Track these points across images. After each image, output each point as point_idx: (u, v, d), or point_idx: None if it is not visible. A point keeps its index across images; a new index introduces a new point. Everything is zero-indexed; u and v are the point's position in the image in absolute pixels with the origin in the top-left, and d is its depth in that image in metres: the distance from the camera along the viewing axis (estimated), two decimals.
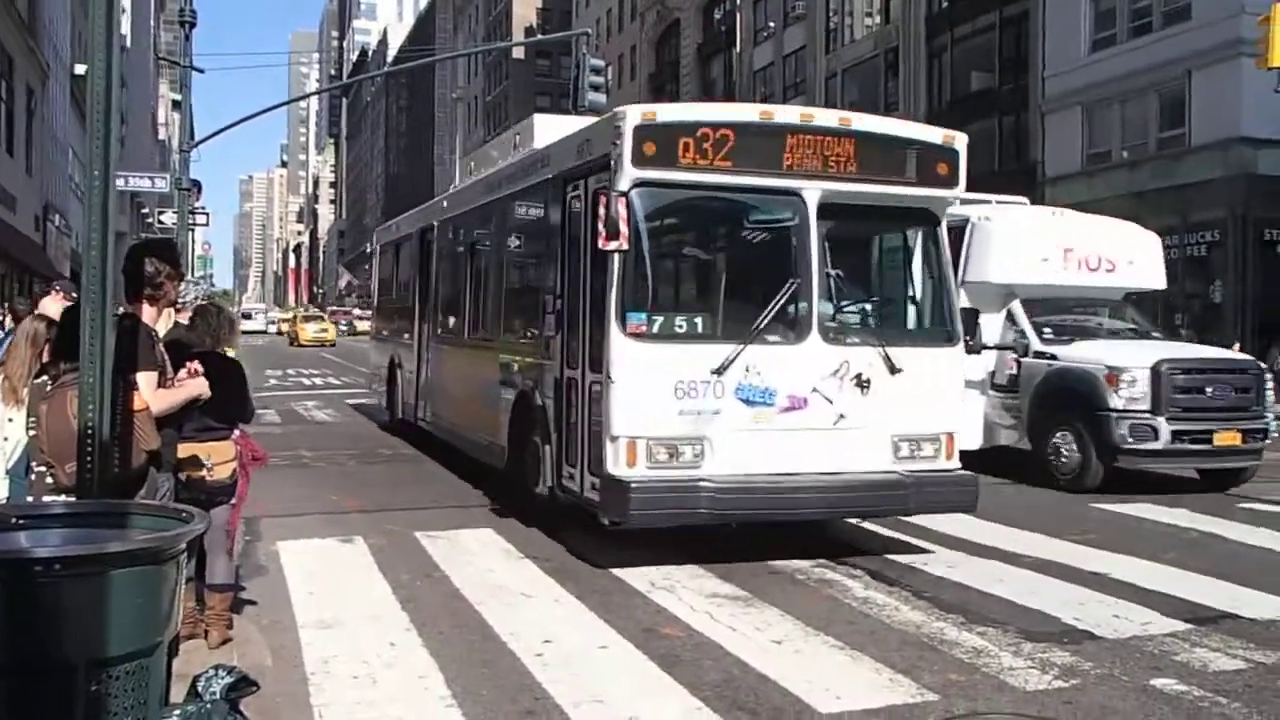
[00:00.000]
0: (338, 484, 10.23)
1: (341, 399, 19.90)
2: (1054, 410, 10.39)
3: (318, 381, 25.11)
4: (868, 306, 7.67)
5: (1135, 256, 11.73)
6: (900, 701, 4.58)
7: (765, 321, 6.79)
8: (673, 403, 6.56)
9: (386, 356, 14.49)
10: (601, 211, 6.33)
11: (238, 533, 5.80)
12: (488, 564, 7.04)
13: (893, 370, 6.97)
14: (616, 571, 6.68)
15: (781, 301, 6.85)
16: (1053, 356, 10.52)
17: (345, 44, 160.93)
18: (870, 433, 6.94)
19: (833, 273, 7.06)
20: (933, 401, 7.17)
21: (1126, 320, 11.78)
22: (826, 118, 7.22)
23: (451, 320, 11.38)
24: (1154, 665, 5.15)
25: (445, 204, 12.37)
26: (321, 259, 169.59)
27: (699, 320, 7.02)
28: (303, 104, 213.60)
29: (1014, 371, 10.70)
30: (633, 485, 6.44)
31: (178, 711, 2.81)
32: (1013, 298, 10.97)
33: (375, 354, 15.99)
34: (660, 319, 6.77)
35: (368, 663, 4.98)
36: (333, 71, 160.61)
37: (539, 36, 62.29)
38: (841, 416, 6.86)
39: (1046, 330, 10.86)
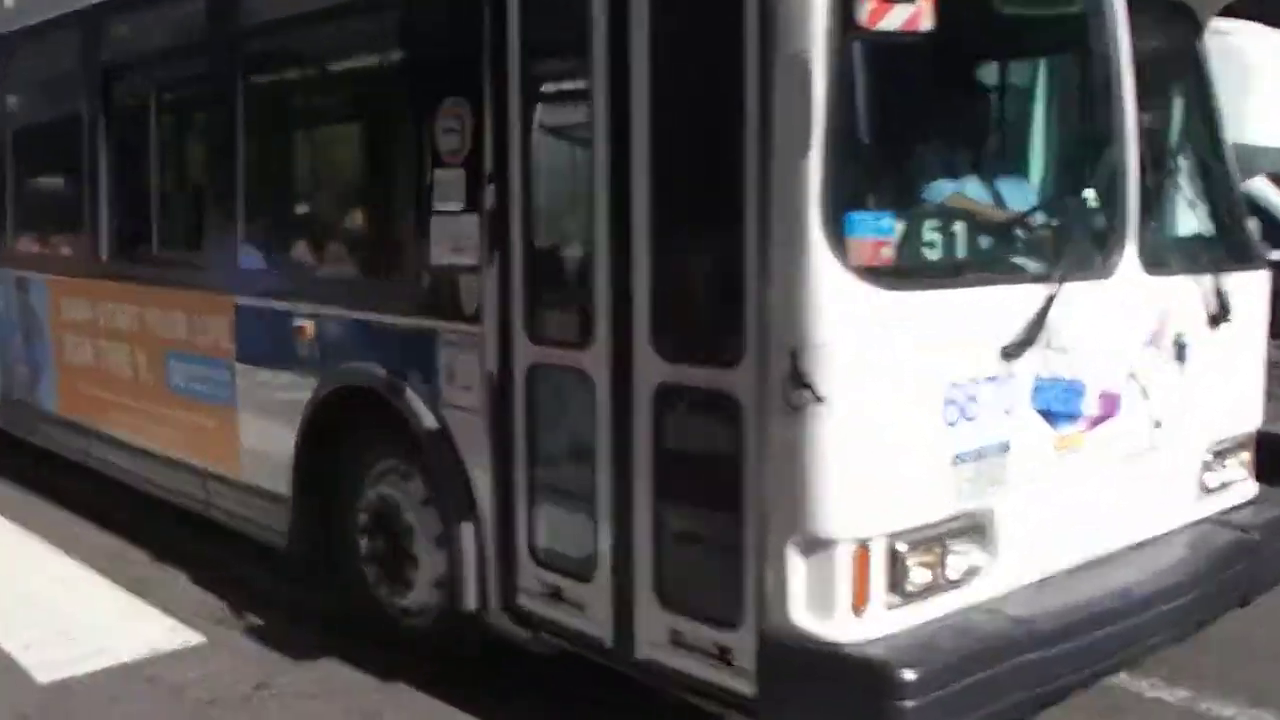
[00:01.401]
0: None
1: None
2: None
3: None
4: (1181, 199, 4.18)
5: None
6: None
7: (1073, 234, 3.46)
8: (944, 436, 2.96)
9: None
10: None
11: None
12: None
13: (1217, 320, 3.80)
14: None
15: (1094, 192, 3.59)
16: None
17: None
18: (1181, 451, 3.79)
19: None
20: (1241, 374, 4.07)
21: None
22: None
23: (90, 236, 5.95)
24: None
25: None
26: None
27: (955, 233, 3.32)
28: None
29: None
30: (904, 677, 2.67)
31: None
32: (1253, 172, 6.02)
33: None
34: (903, 227, 3.11)
35: None
36: None
37: None
38: (1157, 424, 3.65)
39: None
